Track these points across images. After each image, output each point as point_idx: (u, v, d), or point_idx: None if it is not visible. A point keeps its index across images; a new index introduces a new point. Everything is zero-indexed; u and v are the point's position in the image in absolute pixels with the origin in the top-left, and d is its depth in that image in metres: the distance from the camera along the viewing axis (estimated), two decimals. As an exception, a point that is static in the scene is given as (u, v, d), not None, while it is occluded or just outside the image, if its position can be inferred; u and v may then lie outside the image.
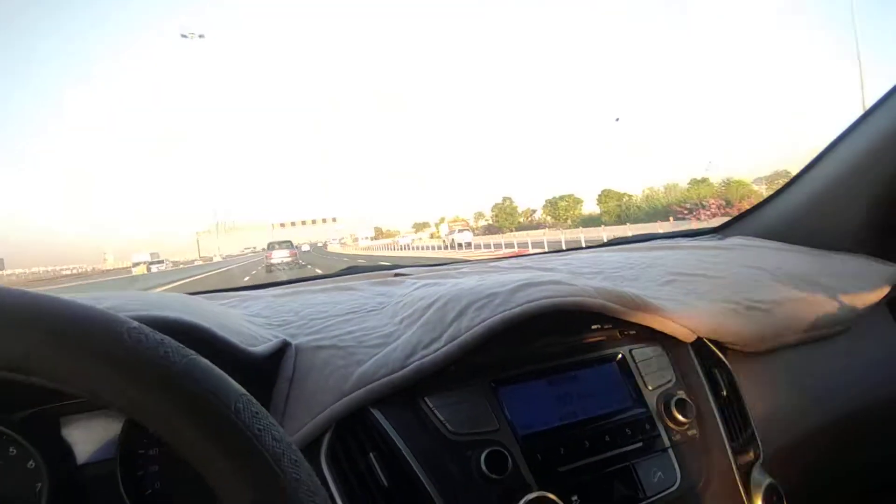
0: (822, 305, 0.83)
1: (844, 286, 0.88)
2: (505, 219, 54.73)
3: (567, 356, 0.59)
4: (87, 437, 0.60)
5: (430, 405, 0.51)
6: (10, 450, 0.57)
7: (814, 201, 1.13)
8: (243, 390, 0.27)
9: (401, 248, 36.44)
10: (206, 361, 0.26)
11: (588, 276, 0.85)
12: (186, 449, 0.24)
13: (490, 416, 0.52)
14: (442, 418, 0.50)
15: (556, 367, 0.58)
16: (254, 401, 0.27)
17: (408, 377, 0.51)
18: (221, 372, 0.27)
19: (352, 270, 1.06)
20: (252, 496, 0.24)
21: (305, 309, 0.70)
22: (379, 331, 0.61)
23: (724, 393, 0.64)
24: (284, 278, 1.10)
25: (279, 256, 24.88)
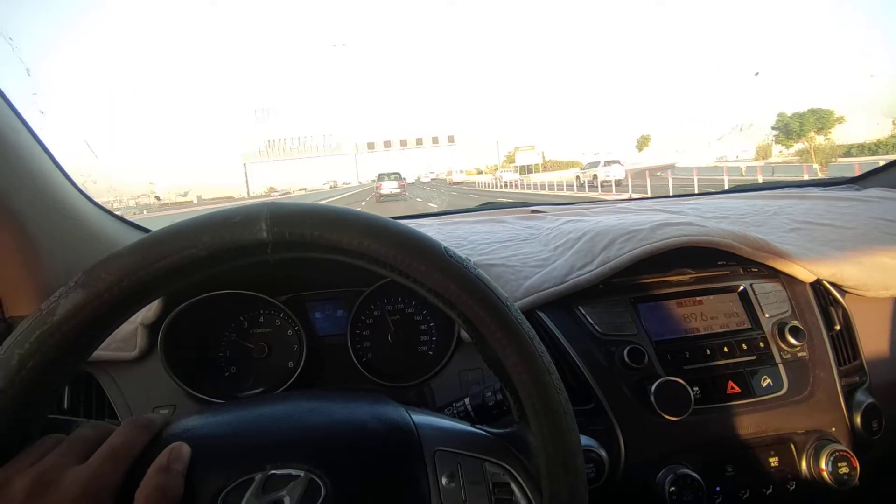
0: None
1: None
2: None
3: (695, 284, 0.71)
4: (324, 318, 0.84)
5: (583, 312, 0.67)
6: (276, 321, 0.83)
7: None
8: (505, 294, 0.42)
9: (505, 185, 30.99)
10: (483, 273, 0.42)
11: (714, 220, 0.94)
12: (479, 323, 0.39)
13: (630, 324, 0.67)
14: (592, 322, 0.67)
15: (685, 291, 0.71)
16: (510, 300, 0.41)
17: (566, 290, 0.68)
18: (492, 281, 0.42)
19: (490, 206, 1.23)
20: (518, 358, 0.38)
21: (471, 236, 0.88)
22: (536, 255, 0.78)
23: (838, 327, 0.73)
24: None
25: (388, 188, 25.91)
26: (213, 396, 0.74)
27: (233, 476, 0.37)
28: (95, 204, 0.87)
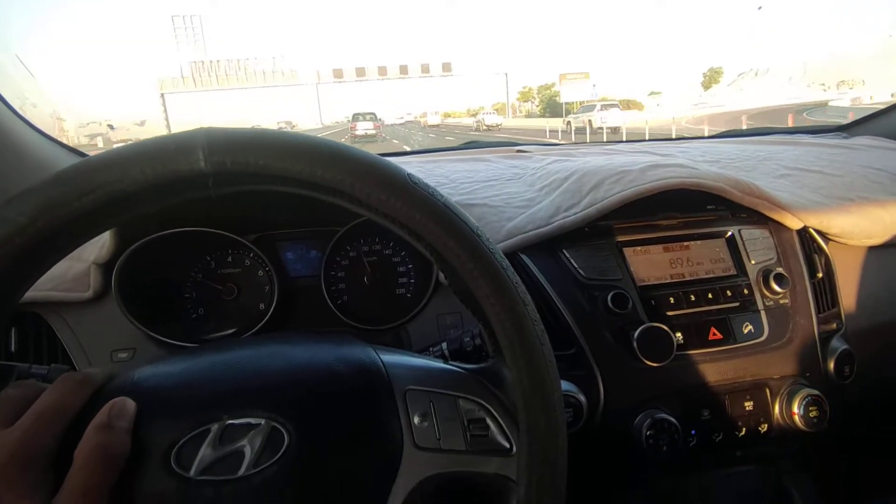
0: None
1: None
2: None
3: (682, 228, 0.69)
4: (296, 258, 0.80)
5: (568, 255, 0.65)
6: (246, 261, 0.78)
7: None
8: (477, 224, 0.39)
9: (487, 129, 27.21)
10: (453, 202, 0.38)
11: (705, 164, 0.90)
12: (448, 253, 0.35)
13: (615, 268, 0.64)
14: (576, 265, 0.64)
15: (672, 236, 0.68)
16: (481, 229, 0.38)
17: (551, 232, 0.64)
18: (461, 208, 0.39)
19: (474, 145, 1.17)
20: (490, 289, 0.35)
21: (453, 174, 0.83)
22: (521, 196, 0.74)
23: (820, 275, 0.72)
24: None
25: (363, 128, 25.72)
26: (178, 339, 0.70)
27: (186, 429, 0.34)
28: (34, 128, 0.78)
